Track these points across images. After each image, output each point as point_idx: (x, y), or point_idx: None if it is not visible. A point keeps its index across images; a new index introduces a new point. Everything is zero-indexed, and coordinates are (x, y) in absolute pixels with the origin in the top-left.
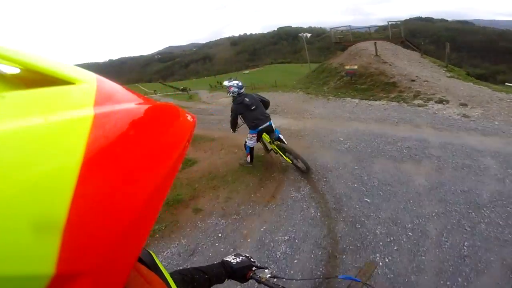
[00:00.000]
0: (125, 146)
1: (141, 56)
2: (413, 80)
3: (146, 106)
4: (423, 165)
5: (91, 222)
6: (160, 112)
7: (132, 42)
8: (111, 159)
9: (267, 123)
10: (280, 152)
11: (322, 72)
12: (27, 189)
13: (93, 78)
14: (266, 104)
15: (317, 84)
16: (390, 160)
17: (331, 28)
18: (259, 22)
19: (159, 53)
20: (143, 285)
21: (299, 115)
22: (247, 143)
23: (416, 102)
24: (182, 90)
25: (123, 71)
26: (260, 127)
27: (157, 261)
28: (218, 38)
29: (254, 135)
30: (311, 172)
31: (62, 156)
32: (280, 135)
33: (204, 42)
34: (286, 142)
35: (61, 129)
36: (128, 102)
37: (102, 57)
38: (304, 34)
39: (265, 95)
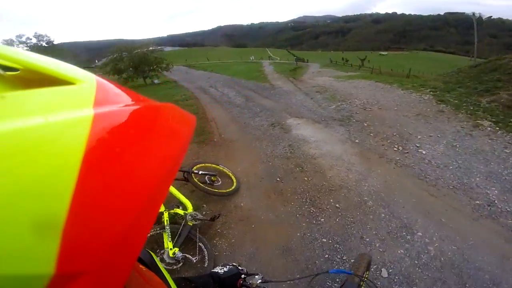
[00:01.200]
0: (124, 146)
1: (277, 23)
2: None
3: (146, 107)
4: None
5: (91, 221)
6: (160, 112)
7: (272, 7)
8: (110, 159)
9: None
10: None
11: (490, 72)
12: (27, 188)
13: (92, 78)
14: None
15: (470, 89)
16: None
17: None
18: (415, 2)
19: (293, 21)
20: (143, 285)
21: (376, 154)
22: None
23: None
24: (296, 60)
25: (260, 35)
26: None
27: (157, 261)
28: (358, 13)
29: None
30: None
31: (62, 156)
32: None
33: (340, 16)
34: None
35: (61, 129)
36: (128, 103)
37: (245, 20)
38: (477, 13)
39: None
